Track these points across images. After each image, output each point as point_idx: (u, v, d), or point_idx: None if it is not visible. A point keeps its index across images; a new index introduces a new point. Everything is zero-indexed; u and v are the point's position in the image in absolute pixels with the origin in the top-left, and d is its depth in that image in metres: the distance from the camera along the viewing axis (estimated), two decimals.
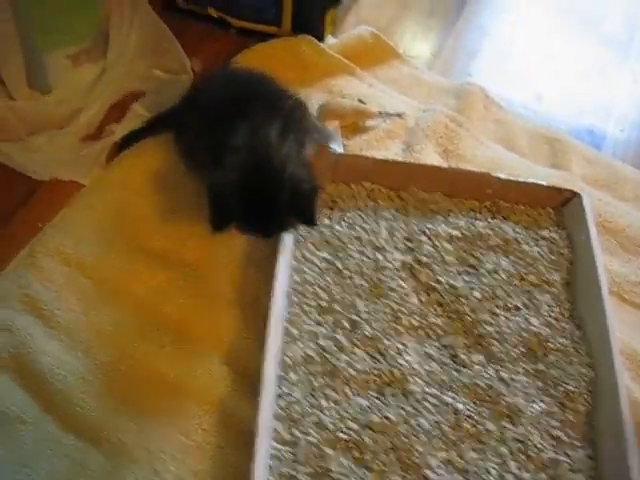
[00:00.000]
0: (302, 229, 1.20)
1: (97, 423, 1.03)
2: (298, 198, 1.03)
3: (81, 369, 1.08)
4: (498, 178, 1.27)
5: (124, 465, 0.99)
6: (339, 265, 1.17)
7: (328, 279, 1.16)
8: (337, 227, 1.22)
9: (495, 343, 1.11)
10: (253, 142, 1.05)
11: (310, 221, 1.07)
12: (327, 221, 1.23)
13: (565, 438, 1.04)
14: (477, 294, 1.15)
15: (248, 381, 1.06)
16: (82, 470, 0.99)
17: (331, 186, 1.28)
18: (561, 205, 1.30)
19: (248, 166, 1.04)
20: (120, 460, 1.00)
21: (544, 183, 1.29)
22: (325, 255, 1.19)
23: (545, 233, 1.26)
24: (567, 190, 1.28)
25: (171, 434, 1.03)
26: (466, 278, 1.18)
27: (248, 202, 1.03)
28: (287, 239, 1.13)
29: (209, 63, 1.55)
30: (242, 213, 1.04)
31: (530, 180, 1.29)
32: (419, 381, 1.06)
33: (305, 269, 1.17)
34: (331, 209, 1.26)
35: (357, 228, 1.22)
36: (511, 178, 1.28)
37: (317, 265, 1.18)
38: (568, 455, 1.03)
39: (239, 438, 1.02)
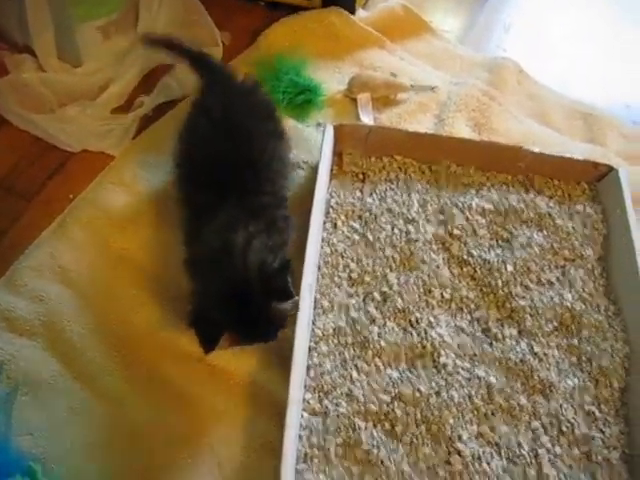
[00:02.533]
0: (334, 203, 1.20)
1: (127, 392, 1.04)
2: (270, 286, 0.94)
3: (112, 339, 1.08)
4: (531, 152, 1.25)
5: (154, 434, 1.00)
6: (370, 237, 1.16)
7: (359, 251, 1.15)
8: (368, 199, 1.21)
9: (528, 317, 1.10)
10: (220, 255, 0.97)
11: (287, 296, 0.95)
12: (358, 194, 1.22)
13: (599, 414, 1.03)
14: (510, 268, 1.14)
15: (278, 353, 1.06)
16: (115, 436, 1.00)
17: (362, 159, 1.27)
18: (596, 180, 1.28)
19: (218, 284, 0.96)
20: (149, 429, 1.01)
21: (579, 157, 1.26)
22: (356, 227, 1.18)
23: (579, 208, 1.24)
24: (603, 164, 1.25)
25: (201, 403, 1.03)
26: (499, 252, 1.16)
27: (233, 317, 0.94)
28: (317, 211, 1.11)
29: (239, 36, 1.54)
30: (236, 329, 0.95)
31: (564, 154, 1.26)
32: (451, 354, 1.05)
33: (335, 241, 1.16)
34: (362, 182, 1.25)
35: (388, 200, 1.21)
36: (545, 152, 1.25)
37: (348, 237, 1.17)
38: (602, 431, 1.02)
39: (270, 409, 1.02)
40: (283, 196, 1.10)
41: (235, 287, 0.94)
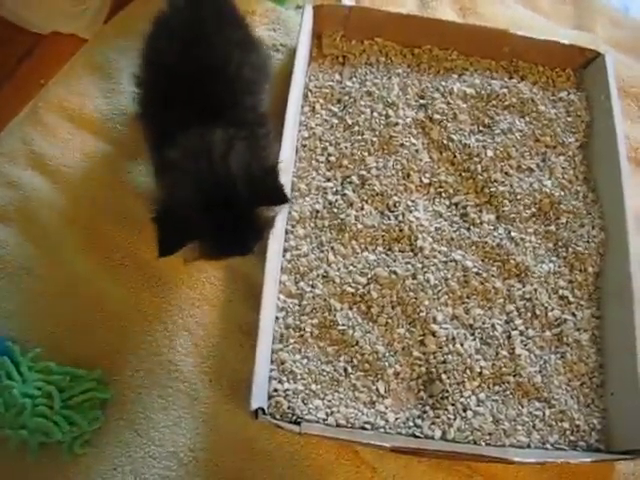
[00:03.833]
0: (313, 88, 1.17)
1: (103, 276, 1.04)
2: (260, 188, 0.83)
3: (86, 223, 1.07)
4: (516, 35, 1.21)
5: (131, 317, 1.01)
6: (349, 120, 1.13)
7: (337, 134, 1.13)
8: (348, 83, 1.18)
9: (506, 203, 1.09)
10: (194, 155, 0.85)
11: (282, 199, 0.84)
12: (338, 77, 1.19)
13: (572, 298, 1.05)
14: (490, 153, 1.12)
15: None
16: (91, 318, 1.01)
17: (342, 42, 1.23)
18: (582, 67, 1.24)
19: (195, 182, 0.83)
20: (127, 312, 1.02)
21: (565, 42, 1.22)
22: (335, 110, 1.15)
23: (563, 95, 1.21)
24: (589, 50, 1.22)
25: (178, 287, 1.04)
26: (479, 137, 1.15)
27: (211, 221, 0.82)
28: (295, 94, 1.08)
29: None
30: (210, 237, 0.83)
31: (550, 39, 1.23)
32: (428, 238, 1.05)
33: (314, 124, 1.14)
34: (342, 65, 1.21)
35: (368, 84, 1.17)
36: (530, 36, 1.22)
37: (326, 120, 1.14)
38: (574, 314, 1.04)
39: (247, 291, 1.03)
40: (264, 112, 1.00)
41: (214, 190, 0.82)
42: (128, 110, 1.17)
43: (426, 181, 1.10)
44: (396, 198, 1.07)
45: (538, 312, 1.03)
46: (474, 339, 1.00)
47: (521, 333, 1.01)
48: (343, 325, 0.97)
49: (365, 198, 1.07)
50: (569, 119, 1.19)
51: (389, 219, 1.06)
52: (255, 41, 1.04)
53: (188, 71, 0.91)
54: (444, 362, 0.97)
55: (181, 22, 0.97)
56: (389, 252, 1.04)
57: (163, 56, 0.95)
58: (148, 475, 0.92)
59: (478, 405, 0.96)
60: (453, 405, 0.95)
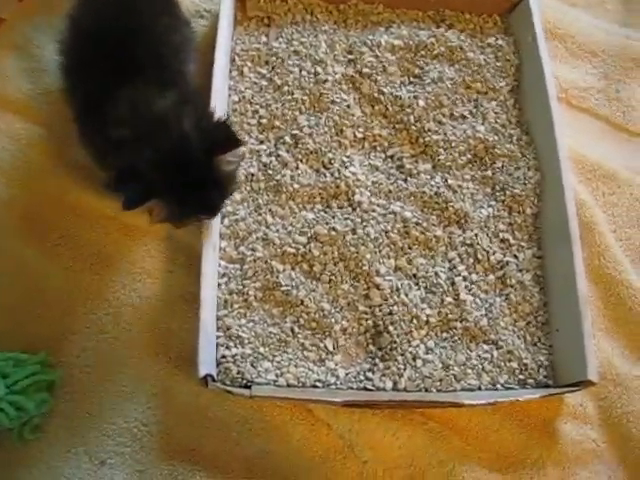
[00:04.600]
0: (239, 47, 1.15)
1: (43, 259, 1.02)
2: (213, 137, 0.86)
3: (21, 209, 1.05)
4: None
5: (73, 298, 1.00)
6: (278, 81, 1.12)
7: (267, 96, 1.11)
8: (274, 44, 1.15)
9: (441, 151, 1.09)
10: (142, 121, 0.86)
11: (236, 141, 0.86)
12: (264, 38, 1.17)
13: (512, 240, 1.06)
14: (422, 103, 1.12)
15: None
16: (32, 307, 0.99)
17: (267, 3, 1.20)
18: (508, 11, 1.24)
19: (150, 146, 0.84)
20: (68, 293, 1.00)
21: None
22: (263, 72, 1.14)
23: (491, 40, 1.21)
24: None
25: (118, 262, 1.02)
26: (410, 88, 1.14)
27: (173, 181, 0.83)
28: (220, 59, 1.06)
29: None
30: (175, 198, 0.84)
31: None
32: (365, 192, 1.05)
33: (243, 88, 1.12)
34: (267, 26, 1.19)
35: (295, 43, 1.15)
36: None
37: (255, 83, 1.13)
38: (516, 256, 1.05)
39: (187, 261, 1.02)
40: (189, 76, 0.99)
41: (172, 149, 0.83)
42: (53, 88, 1.14)
43: (360, 136, 1.10)
44: (331, 155, 1.07)
45: (480, 257, 1.04)
46: (418, 288, 1.00)
47: (465, 279, 1.02)
48: (287, 286, 0.97)
49: (300, 157, 1.06)
50: (498, 64, 1.19)
51: (325, 176, 1.05)
52: (185, 17, 1.06)
53: (118, 36, 0.91)
54: (390, 314, 0.97)
55: None
56: (327, 209, 1.04)
57: (91, 22, 0.95)
58: (103, 454, 0.92)
59: (427, 353, 0.97)
60: (402, 355, 0.95)
